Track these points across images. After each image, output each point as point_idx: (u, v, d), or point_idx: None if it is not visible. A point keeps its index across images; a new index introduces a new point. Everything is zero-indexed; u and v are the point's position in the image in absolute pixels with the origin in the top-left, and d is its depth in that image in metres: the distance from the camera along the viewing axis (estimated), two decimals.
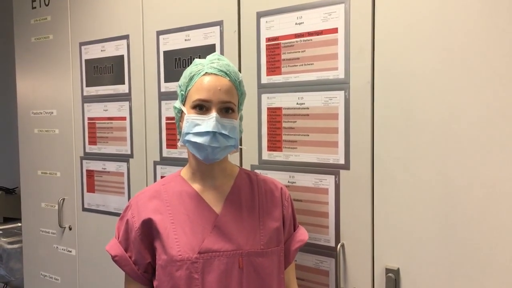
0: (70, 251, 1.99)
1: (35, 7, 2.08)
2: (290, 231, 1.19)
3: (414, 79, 1.12)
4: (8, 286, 2.69)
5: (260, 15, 1.37)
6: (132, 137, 1.75)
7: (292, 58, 1.31)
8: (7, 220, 2.97)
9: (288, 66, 1.32)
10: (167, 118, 1.63)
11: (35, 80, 2.11)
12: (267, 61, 1.36)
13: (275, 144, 1.37)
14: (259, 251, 1.07)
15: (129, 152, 1.76)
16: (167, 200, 1.10)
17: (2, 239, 2.56)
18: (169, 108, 1.61)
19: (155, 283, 1.09)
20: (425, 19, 1.10)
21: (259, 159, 1.40)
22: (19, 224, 2.55)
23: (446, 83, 1.08)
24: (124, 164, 1.78)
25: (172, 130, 1.62)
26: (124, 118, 1.77)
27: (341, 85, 1.23)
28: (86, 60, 1.88)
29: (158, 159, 1.66)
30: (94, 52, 1.85)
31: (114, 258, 1.11)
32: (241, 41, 1.42)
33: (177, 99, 1.12)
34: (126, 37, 1.74)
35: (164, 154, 1.64)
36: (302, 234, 1.20)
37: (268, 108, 1.37)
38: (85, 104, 1.91)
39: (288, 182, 1.34)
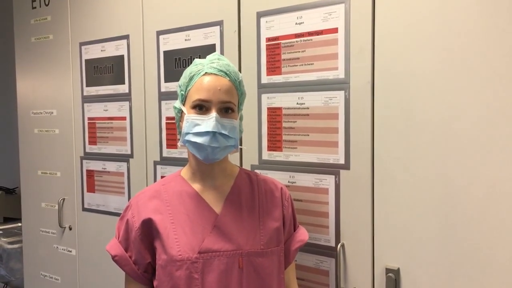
0: (70, 251, 1.99)
1: (35, 7, 2.08)
2: (290, 231, 1.19)
3: (414, 79, 1.12)
4: (8, 286, 2.69)
5: (260, 15, 1.37)
6: (132, 137, 1.75)
7: (292, 58, 1.31)
8: (7, 220, 2.97)
9: (288, 66, 1.32)
10: (167, 118, 1.63)
11: (35, 80, 2.11)
12: (267, 61, 1.36)
13: (275, 144, 1.37)
14: (259, 251, 1.07)
15: (129, 152, 1.76)
16: (167, 200, 1.10)
17: (2, 239, 2.56)
18: (169, 108, 1.61)
19: (155, 283, 1.09)
20: (425, 19, 1.10)
21: (259, 159, 1.40)
22: (19, 224, 2.55)
23: (446, 83, 1.08)
24: (124, 164, 1.78)
25: (172, 130, 1.62)
26: (124, 118, 1.77)
27: (341, 85, 1.23)
28: (86, 60, 1.88)
29: (158, 159, 1.66)
30: (94, 52, 1.85)
31: (114, 258, 1.11)
32: (241, 41, 1.42)
33: (177, 99, 1.12)
34: (126, 37, 1.74)
35: (164, 154, 1.64)
36: (302, 234, 1.20)
37: (268, 108, 1.37)
38: (85, 104, 1.91)
39: (288, 182, 1.34)
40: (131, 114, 1.75)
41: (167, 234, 1.06)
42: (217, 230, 1.06)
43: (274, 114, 1.36)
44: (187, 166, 1.15)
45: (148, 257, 1.09)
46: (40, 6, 2.06)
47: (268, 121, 1.38)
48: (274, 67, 1.35)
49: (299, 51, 1.30)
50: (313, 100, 1.28)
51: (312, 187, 1.30)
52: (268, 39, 1.36)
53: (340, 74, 1.23)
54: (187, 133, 1.05)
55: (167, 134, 1.63)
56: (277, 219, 1.13)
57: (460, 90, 1.06)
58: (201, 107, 1.04)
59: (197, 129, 1.03)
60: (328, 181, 1.27)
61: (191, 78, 1.07)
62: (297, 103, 1.31)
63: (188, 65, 1.14)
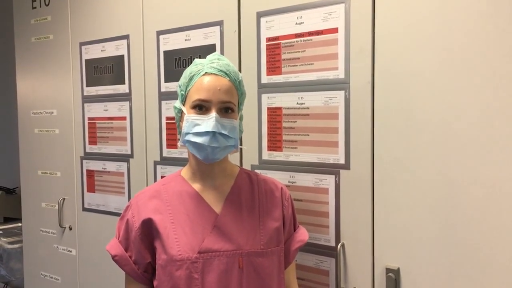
0: (70, 251, 1.99)
1: (35, 7, 2.08)
2: (290, 231, 1.19)
3: (414, 79, 1.12)
4: (8, 286, 2.69)
5: (260, 15, 1.37)
6: (132, 137, 1.75)
7: (292, 58, 1.31)
8: (7, 220, 2.97)
9: (288, 66, 1.32)
10: (167, 118, 1.63)
11: (35, 80, 2.11)
12: (267, 61, 1.36)
13: (275, 144, 1.37)
14: (259, 251, 1.07)
15: (129, 152, 1.76)
16: (167, 200, 1.10)
17: (3, 239, 2.56)
18: (169, 108, 1.61)
19: (155, 283, 1.09)
20: (425, 19, 1.10)
21: (259, 159, 1.40)
22: (19, 224, 2.55)
23: (446, 83, 1.08)
24: (124, 164, 1.78)
25: (172, 130, 1.62)
26: (124, 118, 1.77)
27: (341, 85, 1.23)
28: (86, 60, 1.88)
29: (158, 159, 1.67)
30: (94, 52, 1.85)
31: (114, 257, 1.11)
32: (241, 41, 1.42)
33: (177, 99, 1.12)
34: (126, 37, 1.74)
35: (164, 154, 1.64)
36: (302, 234, 1.20)
37: (268, 108, 1.38)
38: (85, 104, 1.91)
39: (289, 182, 1.34)
40: (131, 114, 1.75)
41: (167, 234, 1.06)
42: (217, 230, 1.06)
43: (274, 114, 1.36)
44: (187, 166, 1.15)
45: (148, 257, 1.09)
46: (40, 6, 2.06)
47: (268, 121, 1.38)
48: (274, 67, 1.35)
49: (299, 51, 1.30)
50: (313, 100, 1.28)
51: (312, 187, 1.30)
52: (268, 39, 1.36)
53: (340, 74, 1.23)
54: (187, 133, 1.05)
55: (167, 134, 1.63)
56: (277, 219, 1.13)
57: (460, 90, 1.06)
58: (201, 107, 1.04)
59: (197, 129, 1.03)
60: (328, 181, 1.27)
61: (191, 78, 1.07)
62: (297, 103, 1.32)
63: (188, 65, 1.14)
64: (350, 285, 1.25)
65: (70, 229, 1.99)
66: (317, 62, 1.27)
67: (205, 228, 1.06)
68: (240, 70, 1.42)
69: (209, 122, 1.02)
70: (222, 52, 1.46)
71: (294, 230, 1.20)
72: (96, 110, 1.87)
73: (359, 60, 1.20)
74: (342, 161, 1.24)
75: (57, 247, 2.05)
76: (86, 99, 1.90)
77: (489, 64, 1.03)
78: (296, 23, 1.30)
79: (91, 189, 1.91)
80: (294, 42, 1.31)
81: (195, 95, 1.04)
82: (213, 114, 1.02)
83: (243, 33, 1.41)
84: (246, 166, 1.42)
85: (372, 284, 1.21)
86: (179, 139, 1.11)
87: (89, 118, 1.90)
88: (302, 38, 1.29)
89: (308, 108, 1.30)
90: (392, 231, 1.17)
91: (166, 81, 1.62)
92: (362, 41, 1.19)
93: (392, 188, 1.16)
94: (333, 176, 1.26)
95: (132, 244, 1.10)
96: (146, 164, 1.71)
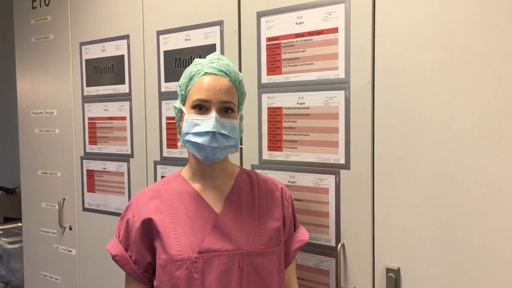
0: (71, 251, 1.99)
1: (35, 7, 2.08)
2: (291, 231, 1.19)
3: (414, 79, 1.12)
4: (8, 286, 2.69)
5: (260, 15, 1.37)
6: (132, 137, 1.75)
7: (292, 58, 1.31)
8: (7, 220, 2.97)
9: (289, 65, 1.32)
10: (168, 118, 1.63)
11: (35, 80, 2.11)
12: (267, 61, 1.36)
13: (275, 144, 1.37)
14: (259, 251, 1.07)
15: (129, 152, 1.76)
16: (167, 199, 1.10)
17: (3, 239, 2.57)
18: (170, 108, 1.61)
19: (155, 283, 1.09)
20: (425, 19, 1.10)
21: (260, 159, 1.40)
22: (20, 224, 2.55)
23: (446, 83, 1.08)
24: (125, 164, 1.78)
25: (173, 130, 1.62)
26: (124, 118, 1.77)
27: (341, 85, 1.23)
28: (86, 60, 1.89)
29: (158, 159, 1.67)
30: (94, 52, 1.85)
31: (114, 257, 1.11)
32: (241, 41, 1.42)
33: (177, 99, 1.12)
34: (126, 37, 1.74)
35: (165, 154, 1.64)
36: (303, 234, 1.20)
37: (268, 108, 1.38)
38: (86, 104, 1.91)
39: (289, 182, 1.34)
40: (131, 114, 1.75)
41: (167, 234, 1.06)
42: (217, 230, 1.06)
43: (275, 114, 1.36)
44: (187, 166, 1.15)
45: (148, 257, 1.09)
46: (40, 6, 2.06)
47: (268, 121, 1.38)
48: (274, 67, 1.35)
49: (299, 51, 1.30)
50: (313, 100, 1.28)
51: (312, 187, 1.30)
52: (268, 39, 1.36)
53: (340, 74, 1.23)
54: (187, 133, 1.05)
55: (167, 134, 1.63)
56: (277, 219, 1.13)
57: (460, 90, 1.06)
58: (201, 107, 1.04)
59: (197, 129, 1.03)
60: (328, 181, 1.27)
61: (191, 78, 1.07)
62: (297, 103, 1.32)
63: (188, 65, 1.14)
64: (350, 285, 1.25)
65: (70, 229, 1.99)
66: (317, 62, 1.27)
67: (205, 228, 1.06)
68: (240, 70, 1.42)
69: (209, 122, 1.02)
70: (222, 52, 1.46)
71: (294, 230, 1.20)
72: (96, 110, 1.87)
73: (359, 60, 1.20)
74: (342, 161, 1.24)
75: (57, 247, 2.05)
76: (86, 99, 1.90)
77: (489, 64, 1.03)
78: (296, 23, 1.30)
79: (91, 189, 1.91)
80: (294, 42, 1.31)
81: (195, 95, 1.04)
82: (213, 114, 1.02)
83: (243, 33, 1.42)
84: (246, 166, 1.42)
85: (372, 284, 1.21)
86: (179, 139, 1.11)
87: (89, 118, 1.90)
88: (302, 38, 1.29)
89: (308, 108, 1.30)
90: (392, 231, 1.17)
91: (166, 81, 1.62)
92: (362, 41, 1.19)
93: (392, 188, 1.16)
94: (333, 176, 1.26)
95: (132, 244, 1.10)
96: (146, 164, 1.71)
